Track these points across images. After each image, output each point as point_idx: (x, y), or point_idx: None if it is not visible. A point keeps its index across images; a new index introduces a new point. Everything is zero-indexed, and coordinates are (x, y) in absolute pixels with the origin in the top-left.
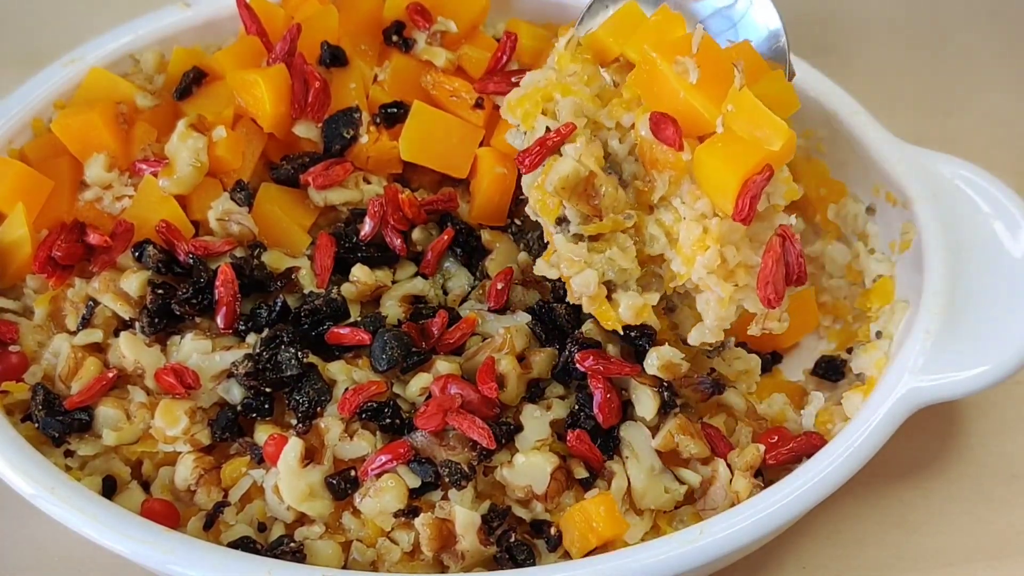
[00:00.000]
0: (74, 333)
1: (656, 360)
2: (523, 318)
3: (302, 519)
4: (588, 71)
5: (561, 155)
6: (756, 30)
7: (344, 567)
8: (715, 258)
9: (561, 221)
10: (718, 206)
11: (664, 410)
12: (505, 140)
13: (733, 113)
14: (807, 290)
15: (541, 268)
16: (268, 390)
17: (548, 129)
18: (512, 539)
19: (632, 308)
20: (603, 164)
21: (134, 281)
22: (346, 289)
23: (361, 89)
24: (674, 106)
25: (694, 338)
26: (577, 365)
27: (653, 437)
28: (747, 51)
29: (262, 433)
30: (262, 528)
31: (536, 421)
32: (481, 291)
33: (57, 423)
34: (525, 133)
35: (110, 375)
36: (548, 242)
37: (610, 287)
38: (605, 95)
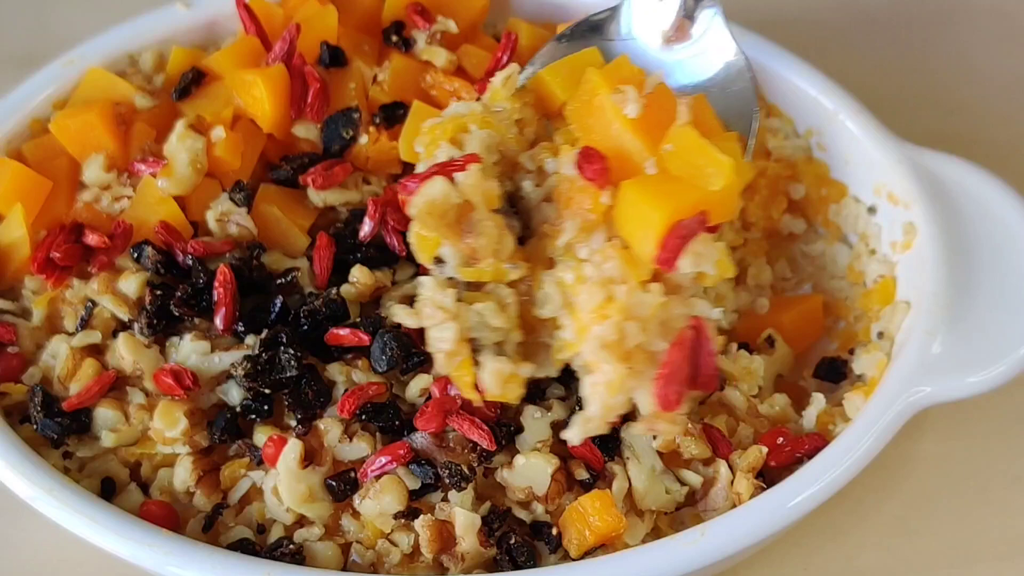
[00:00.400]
0: (72, 334)
1: None
2: None
3: (301, 521)
4: (525, 113)
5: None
6: (729, 100)
7: (344, 569)
8: (613, 332)
9: (438, 260)
10: (637, 248)
11: None
12: None
13: (672, 153)
14: (816, 298)
15: (397, 313)
16: (267, 391)
17: (451, 158)
18: (512, 541)
19: (496, 375)
20: (496, 204)
21: (133, 282)
22: (345, 290)
23: (360, 89)
24: (607, 142)
25: (571, 434)
26: None
27: (654, 438)
28: (705, 107)
29: (261, 434)
30: (261, 530)
31: (537, 422)
32: None
33: (55, 425)
34: (425, 162)
35: (109, 376)
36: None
37: (476, 347)
38: (537, 138)
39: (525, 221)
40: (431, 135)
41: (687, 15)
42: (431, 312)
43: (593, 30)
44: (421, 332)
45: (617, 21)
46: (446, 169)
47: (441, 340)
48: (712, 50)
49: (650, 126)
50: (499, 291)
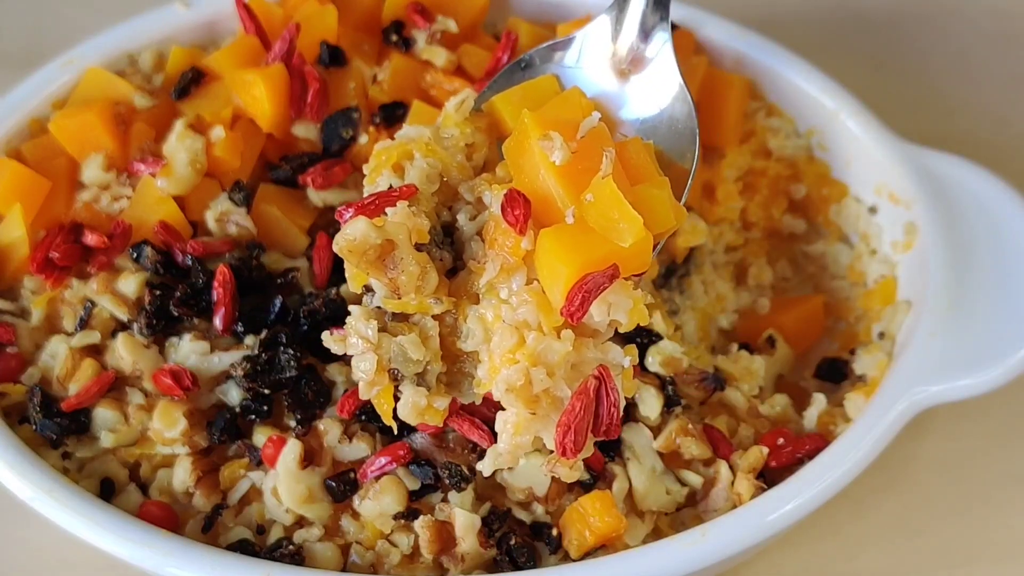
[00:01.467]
0: (71, 335)
1: (657, 357)
2: None
3: (301, 521)
4: (476, 138)
5: (384, 214)
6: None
7: (343, 570)
8: (519, 377)
9: (368, 290)
10: (549, 296)
11: (668, 407)
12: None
13: (591, 204)
14: (816, 298)
15: (326, 339)
16: (267, 392)
17: (391, 187)
18: (512, 541)
19: (412, 406)
20: (423, 239)
21: (132, 282)
22: (345, 290)
23: (360, 89)
24: (533, 186)
25: (485, 465)
26: None
27: (655, 438)
28: (640, 150)
29: (261, 435)
30: (261, 531)
31: None
32: None
33: (54, 425)
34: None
35: (108, 377)
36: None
37: (396, 377)
38: (487, 163)
39: (459, 251)
40: (376, 160)
41: (643, 38)
42: (354, 342)
43: (552, 57)
44: None
45: (577, 48)
46: (380, 201)
47: (362, 370)
48: (661, 82)
49: (576, 173)
50: (424, 322)
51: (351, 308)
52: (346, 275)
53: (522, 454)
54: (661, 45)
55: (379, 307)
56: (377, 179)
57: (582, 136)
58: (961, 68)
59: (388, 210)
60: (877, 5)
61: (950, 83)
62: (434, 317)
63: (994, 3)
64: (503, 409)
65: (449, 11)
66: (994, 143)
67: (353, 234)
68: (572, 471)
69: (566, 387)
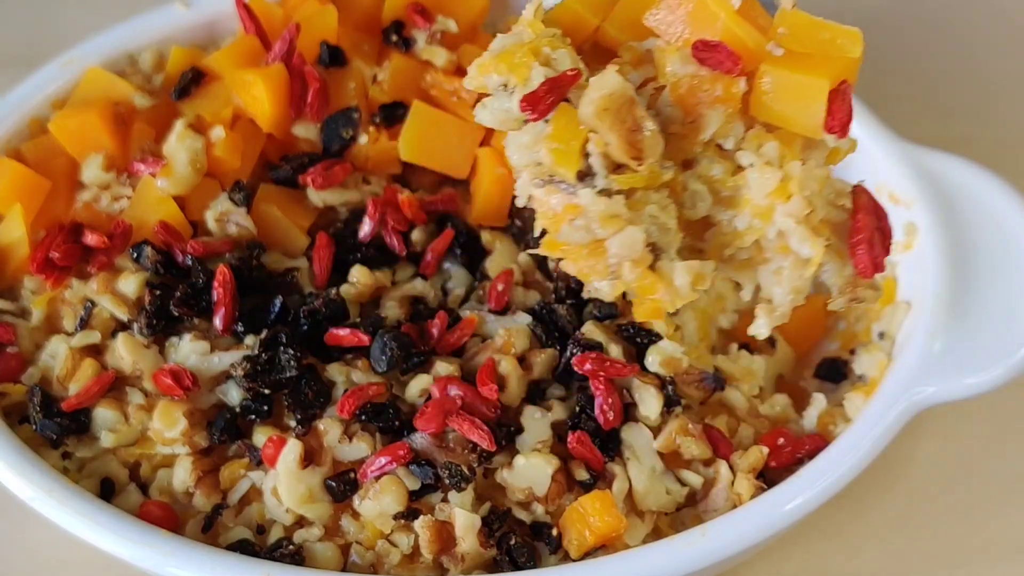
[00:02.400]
0: (72, 335)
1: (656, 357)
2: (524, 319)
3: (301, 521)
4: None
5: (566, 101)
6: None
7: (343, 570)
8: (803, 206)
9: (583, 176)
10: (796, 123)
11: (668, 407)
12: (503, 139)
13: (788, 35)
14: (817, 298)
15: (545, 252)
16: (267, 392)
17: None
18: (512, 541)
19: (692, 274)
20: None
21: (132, 282)
22: (345, 290)
23: (360, 89)
24: (709, 38)
25: (759, 326)
26: (575, 368)
27: (655, 438)
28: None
29: (261, 435)
30: (261, 530)
31: (537, 423)
32: (481, 292)
33: (54, 425)
34: (513, 91)
35: (108, 377)
36: (543, 231)
37: (655, 252)
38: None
39: None
40: (506, 62)
41: None
42: (603, 223)
43: None
44: (421, 332)
45: None
46: (568, 80)
47: (626, 247)
48: None
49: (749, 18)
50: (650, 198)
51: (582, 194)
52: (553, 163)
53: (801, 300)
54: None
55: (604, 190)
56: (528, 75)
57: None
58: (961, 68)
59: (591, 80)
60: (878, 6)
61: (950, 83)
62: (655, 190)
63: (994, 4)
64: (766, 260)
65: (449, 11)
66: (994, 143)
67: (610, 86)
68: (878, 292)
69: (834, 211)
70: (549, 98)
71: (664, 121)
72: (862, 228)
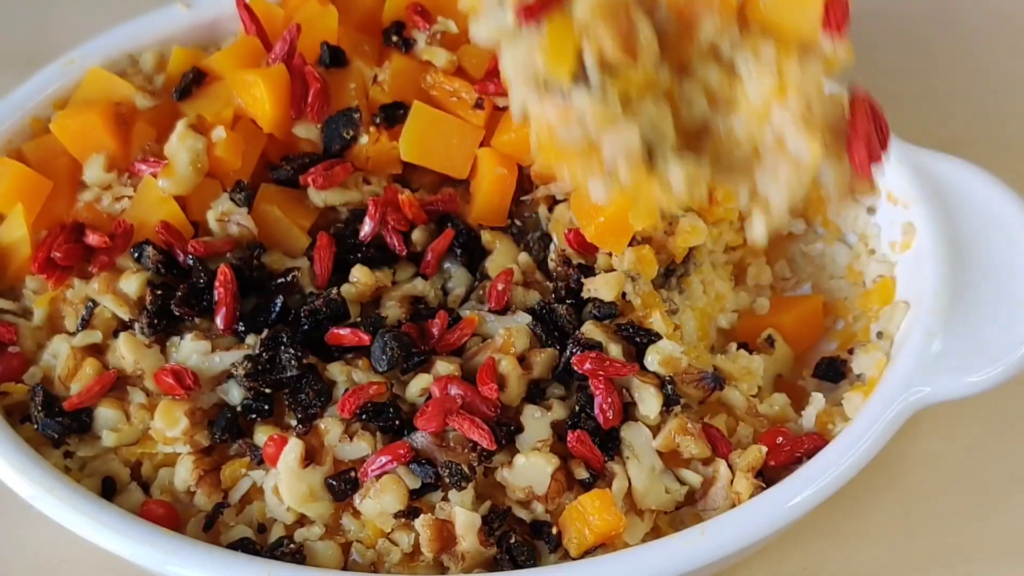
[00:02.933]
0: (73, 334)
1: (656, 357)
2: (524, 319)
3: (302, 520)
4: None
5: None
6: None
7: (344, 568)
8: (801, 105)
9: (578, 80)
10: (793, 24)
11: (667, 406)
12: (503, 140)
13: None
14: (815, 298)
15: (534, 151)
16: (268, 391)
17: None
18: (512, 540)
19: (687, 177)
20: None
21: (133, 282)
22: (346, 290)
23: (361, 89)
24: None
25: (757, 233)
26: (575, 367)
27: (654, 437)
28: None
29: (262, 434)
30: (262, 529)
31: (537, 422)
32: (481, 292)
33: (56, 424)
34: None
35: (109, 376)
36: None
37: (650, 156)
38: None
39: None
40: None
41: None
42: (599, 122)
43: None
44: (421, 331)
45: None
46: None
47: (623, 145)
48: None
49: None
50: (644, 104)
51: (576, 95)
52: (546, 66)
53: (795, 203)
54: None
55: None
56: None
57: None
58: (961, 68)
59: None
60: (878, 5)
61: (950, 83)
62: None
63: (994, 4)
64: (763, 165)
65: (449, 12)
66: (994, 143)
67: None
68: (875, 190)
69: (831, 111)
70: (543, 2)
71: (660, 25)
72: (859, 127)
